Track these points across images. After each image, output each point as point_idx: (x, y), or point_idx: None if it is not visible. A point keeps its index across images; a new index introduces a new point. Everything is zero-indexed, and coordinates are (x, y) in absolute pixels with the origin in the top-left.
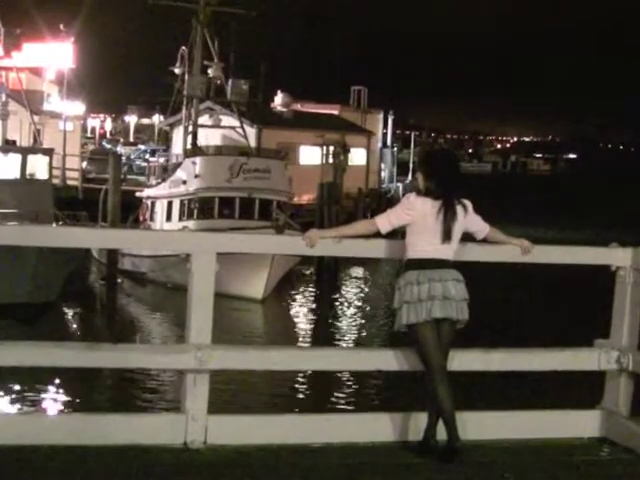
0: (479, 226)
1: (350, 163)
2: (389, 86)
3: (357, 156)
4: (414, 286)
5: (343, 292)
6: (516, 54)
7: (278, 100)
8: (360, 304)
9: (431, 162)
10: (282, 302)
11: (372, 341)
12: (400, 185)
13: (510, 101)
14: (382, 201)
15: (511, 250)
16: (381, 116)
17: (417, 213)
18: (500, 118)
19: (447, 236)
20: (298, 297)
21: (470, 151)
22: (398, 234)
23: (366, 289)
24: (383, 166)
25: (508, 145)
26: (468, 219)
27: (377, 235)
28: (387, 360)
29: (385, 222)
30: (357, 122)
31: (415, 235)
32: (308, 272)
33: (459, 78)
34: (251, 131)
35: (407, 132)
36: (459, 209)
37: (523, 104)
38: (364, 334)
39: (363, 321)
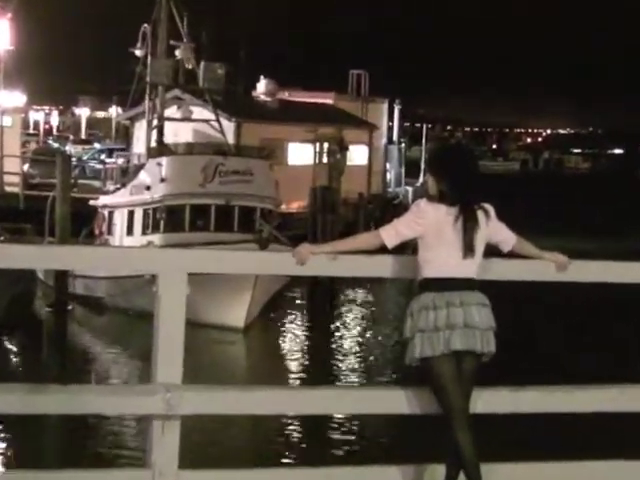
0: (504, 235)
1: (349, 163)
2: (395, 70)
3: (357, 154)
4: (430, 311)
5: (341, 319)
6: (548, 29)
7: (261, 88)
8: (362, 334)
9: (444, 160)
10: (268, 331)
11: (377, 379)
12: (410, 189)
13: (542, 86)
14: (388, 209)
15: (543, 266)
16: (385, 106)
17: (430, 223)
18: (530, 107)
19: (469, 249)
20: (287, 325)
21: (494, 147)
22: (408, 249)
23: (369, 316)
24: (389, 166)
25: (540, 139)
26: (491, 227)
27: (382, 250)
28: (396, 402)
29: (392, 234)
30: (356, 113)
31: (430, 250)
32: (299, 295)
33: (479, 60)
34: (229, 125)
35: (417, 125)
36: (480, 216)
37: (557, 89)
38: (367, 370)
39: (366, 354)
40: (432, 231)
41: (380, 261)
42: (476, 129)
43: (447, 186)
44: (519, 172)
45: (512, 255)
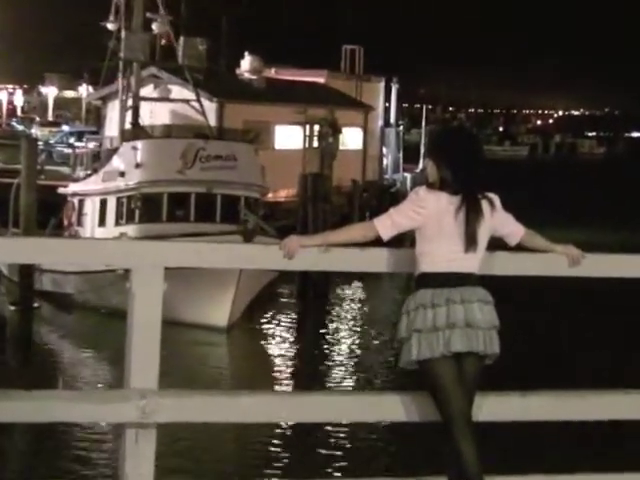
0: (511, 228)
1: (342, 147)
2: (392, 46)
3: (351, 138)
4: (428, 310)
5: (333, 318)
6: (562, 2)
7: (246, 65)
8: (356, 334)
9: (445, 144)
10: (254, 332)
11: (372, 383)
12: (408, 176)
13: (553, 64)
14: (384, 197)
15: (554, 260)
16: (382, 85)
17: (430, 212)
18: (540, 86)
19: (471, 242)
20: (274, 325)
21: (500, 130)
22: (406, 241)
23: (364, 314)
24: (385, 151)
25: (551, 121)
26: (496, 218)
27: (377, 243)
28: (392, 408)
29: (387, 224)
30: (350, 93)
31: (429, 242)
32: (288, 292)
33: (485, 36)
34: (210, 106)
35: (417, 106)
36: (485, 206)
37: (571, 67)
38: (362, 374)
39: (360, 356)
40: (432, 222)
41: (375, 254)
42: (481, 110)
43: (449, 173)
44: (528, 158)
45: (519, 248)
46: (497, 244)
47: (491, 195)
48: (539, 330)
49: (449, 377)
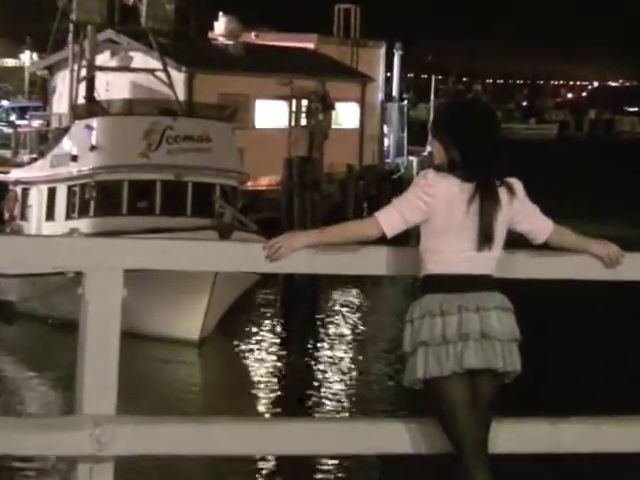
0: (536, 222)
1: (334, 126)
2: (394, 4)
3: (345, 115)
4: (436, 318)
5: (324, 330)
6: None
7: (220, 28)
8: (350, 349)
9: (454, 121)
10: (230, 346)
11: (369, 408)
12: (414, 160)
13: (586, 25)
14: (386, 185)
15: (586, 260)
16: (382, 51)
17: (440, 200)
18: (571, 52)
19: (486, 238)
20: (255, 338)
21: (524, 105)
22: (412, 238)
23: (361, 325)
24: (387, 130)
25: (584, 94)
26: (517, 209)
27: (377, 240)
28: (393, 437)
29: (393, 219)
30: (345, 61)
31: (436, 237)
32: (271, 298)
33: None
34: (179, 77)
35: (424, 76)
36: (503, 194)
37: (607, 29)
38: (356, 396)
39: (355, 376)
40: (442, 212)
41: (372, 254)
42: (500, 81)
43: (458, 155)
44: (557, 137)
45: (546, 246)
46: (516, 239)
47: (511, 180)
48: (558, 340)
49: (461, 399)
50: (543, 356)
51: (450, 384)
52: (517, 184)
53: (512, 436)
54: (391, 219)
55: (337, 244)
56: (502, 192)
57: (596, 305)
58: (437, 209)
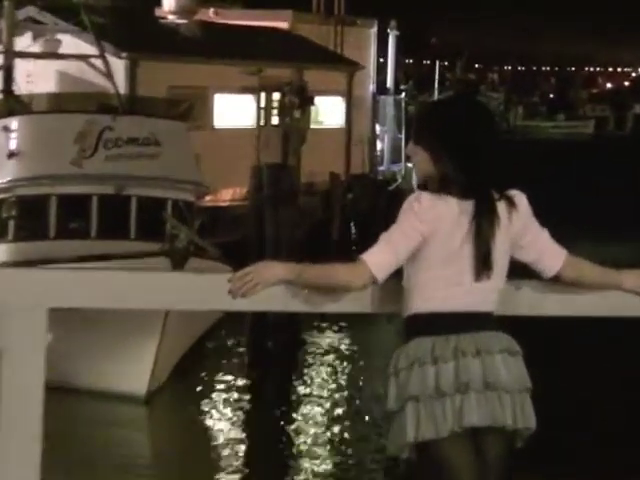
0: (545, 249)
1: (314, 125)
2: None
3: (328, 111)
4: (427, 367)
5: (303, 381)
6: None
7: (170, 3)
8: (334, 405)
9: (446, 123)
10: (186, 402)
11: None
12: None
13: (625, 5)
14: (379, 199)
15: (613, 295)
16: (374, 32)
17: (440, 228)
18: (610, 31)
19: (485, 264)
20: (217, 391)
21: (552, 97)
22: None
23: (346, 375)
24: (380, 130)
25: (627, 83)
26: (518, 228)
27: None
28: None
29: (384, 259)
30: (328, 44)
31: (429, 270)
32: (235, 341)
33: None
34: (118, 64)
35: (426, 62)
36: (502, 210)
37: None
38: (340, 467)
39: (340, 440)
40: (441, 241)
41: (365, 291)
42: (522, 68)
43: (451, 167)
44: (593, 137)
45: (557, 279)
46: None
47: (512, 192)
48: (570, 379)
49: (463, 466)
50: (555, 398)
51: (448, 448)
52: (519, 197)
53: None
54: (382, 261)
55: (315, 287)
56: (501, 207)
57: (611, 336)
58: (436, 239)
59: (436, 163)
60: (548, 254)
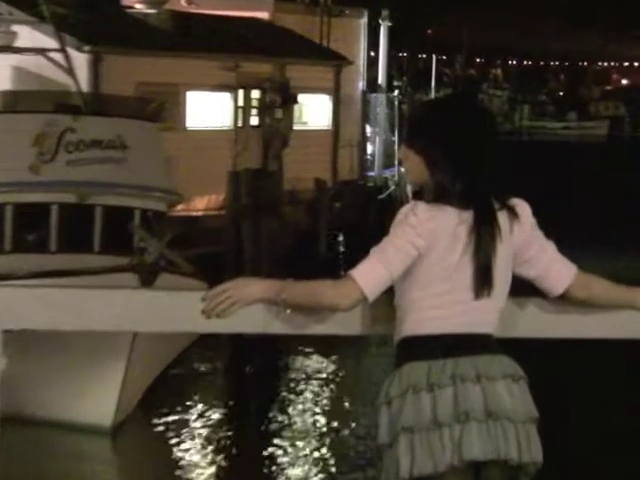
0: (551, 264)
1: (298, 126)
2: None
3: (313, 111)
4: (423, 395)
5: (285, 411)
6: None
7: None
8: (320, 437)
9: (445, 126)
10: (156, 433)
11: None
12: None
13: None
14: (370, 208)
15: (629, 318)
16: (363, 22)
17: (438, 241)
18: (626, 23)
19: (485, 283)
20: (190, 421)
21: (561, 94)
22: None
23: (333, 402)
24: (370, 131)
25: None
26: (519, 240)
27: None
28: None
29: (375, 276)
30: (313, 36)
31: (425, 287)
32: (210, 367)
33: None
34: (81, 59)
35: (422, 56)
36: (503, 220)
37: None
38: None
39: (326, 479)
40: (438, 256)
41: (354, 311)
42: (528, 62)
43: (453, 173)
44: (607, 139)
45: (563, 298)
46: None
47: (514, 201)
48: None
49: None
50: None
51: None
52: (522, 206)
53: None
54: (374, 278)
55: (298, 307)
56: (502, 217)
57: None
58: (433, 254)
59: (430, 169)
60: (555, 270)
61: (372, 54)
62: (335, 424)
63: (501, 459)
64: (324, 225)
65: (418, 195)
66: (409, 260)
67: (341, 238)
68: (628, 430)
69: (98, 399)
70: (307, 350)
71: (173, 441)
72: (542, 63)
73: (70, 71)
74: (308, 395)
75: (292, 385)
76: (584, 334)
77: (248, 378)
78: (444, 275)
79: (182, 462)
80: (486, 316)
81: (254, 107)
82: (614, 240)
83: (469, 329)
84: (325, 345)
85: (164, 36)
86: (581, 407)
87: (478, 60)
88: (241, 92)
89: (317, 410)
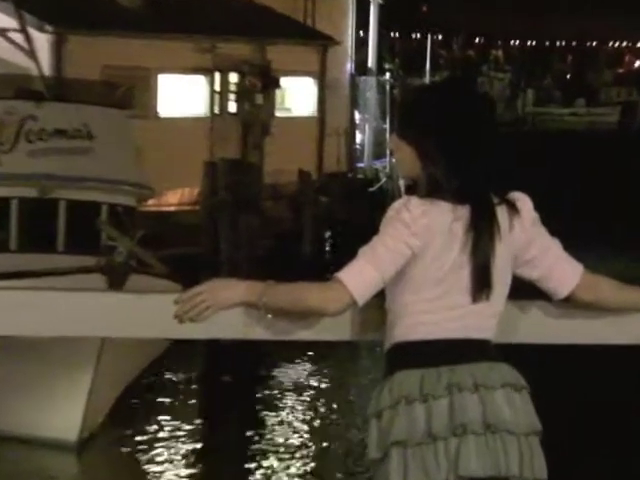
0: (555, 264)
1: (280, 113)
2: None
3: (297, 96)
4: (415, 405)
5: (265, 424)
6: None
7: None
8: (304, 454)
9: (439, 114)
10: (125, 449)
11: None
12: None
13: None
14: (359, 203)
15: (631, 319)
16: None
17: (432, 240)
18: (636, 1)
19: (484, 285)
20: (161, 435)
21: (568, 77)
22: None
23: (319, 415)
24: (359, 119)
25: None
26: (519, 237)
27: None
28: None
29: (365, 279)
30: (296, 15)
31: (418, 291)
32: (187, 377)
33: None
34: (42, 40)
35: (416, 36)
36: (503, 216)
37: None
38: None
39: None
40: (433, 255)
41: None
42: (532, 43)
43: (443, 168)
44: (618, 126)
45: (568, 300)
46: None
47: (515, 196)
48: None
49: None
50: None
51: None
52: (523, 201)
53: None
54: (363, 281)
55: (281, 312)
56: (501, 213)
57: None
58: (427, 254)
59: (422, 161)
60: (559, 270)
61: (361, 34)
62: (320, 437)
63: (501, 475)
64: (309, 221)
65: (411, 190)
66: (402, 261)
67: (328, 235)
68: None
69: (62, 412)
70: (290, 358)
71: (144, 457)
72: (547, 43)
73: (31, 53)
74: (291, 407)
75: (274, 396)
76: (591, 339)
77: (225, 388)
78: (439, 276)
79: (154, 474)
80: (484, 321)
81: (232, 92)
82: (618, 237)
83: (466, 334)
84: (310, 352)
85: (133, 15)
86: (588, 419)
87: (477, 40)
88: (218, 76)
89: (300, 424)
